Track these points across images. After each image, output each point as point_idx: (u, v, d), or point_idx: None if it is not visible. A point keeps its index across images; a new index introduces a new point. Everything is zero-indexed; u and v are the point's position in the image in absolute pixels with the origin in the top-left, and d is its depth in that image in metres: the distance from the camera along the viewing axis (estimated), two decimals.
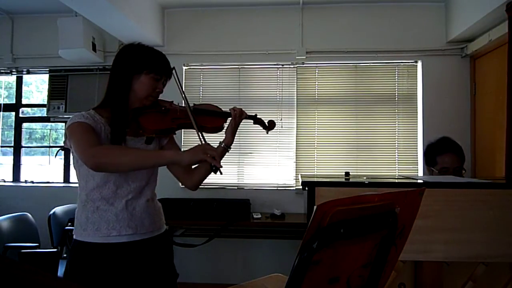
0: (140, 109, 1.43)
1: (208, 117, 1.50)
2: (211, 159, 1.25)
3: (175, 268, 1.54)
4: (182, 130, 2.36)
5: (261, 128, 1.60)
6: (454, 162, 2.20)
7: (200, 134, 1.38)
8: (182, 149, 1.55)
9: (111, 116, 1.38)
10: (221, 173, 1.27)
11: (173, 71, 1.47)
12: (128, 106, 1.41)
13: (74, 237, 1.38)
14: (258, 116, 1.58)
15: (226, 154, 1.53)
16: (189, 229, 3.37)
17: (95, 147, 1.25)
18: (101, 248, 1.33)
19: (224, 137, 1.52)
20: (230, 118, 1.53)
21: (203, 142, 1.36)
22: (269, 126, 1.58)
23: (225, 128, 1.54)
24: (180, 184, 1.58)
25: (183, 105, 1.47)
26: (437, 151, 2.25)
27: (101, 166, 1.25)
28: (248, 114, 1.55)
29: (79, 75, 3.76)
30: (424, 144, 3.32)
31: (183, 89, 1.49)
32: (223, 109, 1.56)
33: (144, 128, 1.40)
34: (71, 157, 1.43)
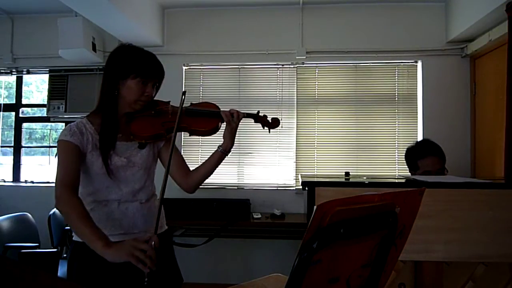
0: (132, 114, 1.39)
1: (201, 118, 1.42)
2: (137, 262, 1.07)
3: (180, 273, 1.52)
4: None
5: (264, 126, 1.47)
6: (436, 164, 2.15)
7: (172, 149, 1.27)
8: (182, 151, 1.51)
9: (101, 123, 1.36)
10: (145, 283, 1.06)
11: (183, 96, 1.36)
12: (117, 112, 1.38)
13: (73, 238, 1.39)
14: (260, 114, 1.46)
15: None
16: (189, 229, 3.37)
17: (65, 188, 1.24)
18: None
19: (222, 141, 1.43)
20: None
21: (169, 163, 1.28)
22: (272, 124, 1.46)
23: (222, 128, 1.44)
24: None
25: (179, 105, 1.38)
26: (417, 156, 2.20)
27: (58, 209, 1.29)
28: (247, 112, 1.44)
29: (79, 75, 3.76)
30: None
31: (182, 106, 1.37)
32: (222, 109, 1.45)
33: (134, 135, 1.38)
34: None
